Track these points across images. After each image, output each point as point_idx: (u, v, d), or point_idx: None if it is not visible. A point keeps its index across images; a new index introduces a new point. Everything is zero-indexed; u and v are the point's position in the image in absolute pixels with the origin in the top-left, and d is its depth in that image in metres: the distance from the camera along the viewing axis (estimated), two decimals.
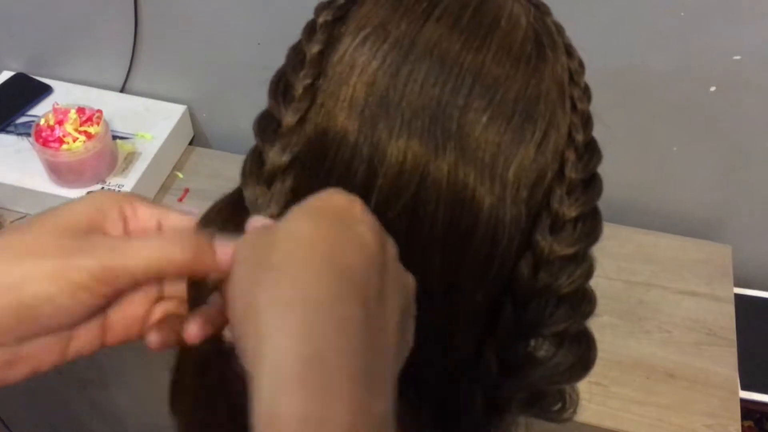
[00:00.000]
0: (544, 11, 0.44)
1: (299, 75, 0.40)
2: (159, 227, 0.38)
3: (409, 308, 0.35)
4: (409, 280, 0.36)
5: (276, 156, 0.39)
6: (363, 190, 0.38)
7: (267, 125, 0.41)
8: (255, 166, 0.40)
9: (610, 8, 0.97)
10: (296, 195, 0.39)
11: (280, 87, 0.42)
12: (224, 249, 0.34)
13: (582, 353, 0.40)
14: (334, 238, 0.32)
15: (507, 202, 0.38)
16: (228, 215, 0.41)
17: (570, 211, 0.40)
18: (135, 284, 0.34)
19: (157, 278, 0.35)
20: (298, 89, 0.40)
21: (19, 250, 0.33)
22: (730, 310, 1.05)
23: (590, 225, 0.41)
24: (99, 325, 0.36)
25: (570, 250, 0.39)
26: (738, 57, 0.98)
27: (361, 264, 0.32)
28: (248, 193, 0.40)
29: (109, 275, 0.33)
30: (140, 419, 1.32)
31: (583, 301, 0.40)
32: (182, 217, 0.39)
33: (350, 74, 0.39)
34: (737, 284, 1.09)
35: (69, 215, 0.35)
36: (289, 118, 0.39)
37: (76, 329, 0.35)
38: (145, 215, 0.38)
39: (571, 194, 0.40)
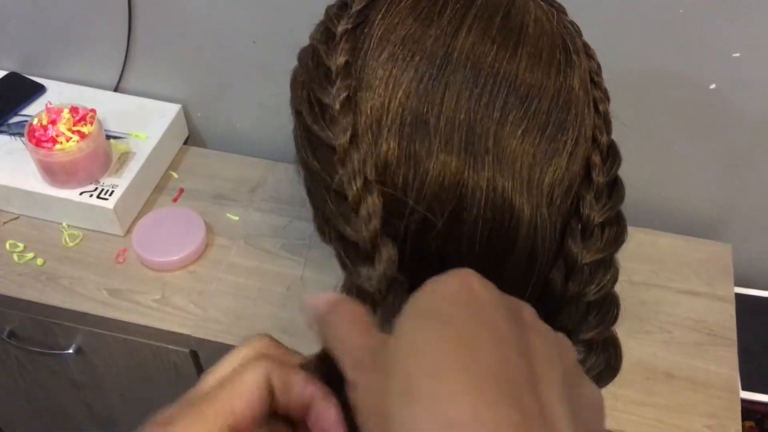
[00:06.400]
0: (560, 11, 0.43)
1: (331, 91, 0.38)
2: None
3: (571, 373, 0.31)
4: (563, 341, 0.32)
5: (348, 185, 0.37)
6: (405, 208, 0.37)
7: (323, 155, 0.39)
8: (339, 205, 0.38)
9: (609, 6, 0.97)
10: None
11: (315, 109, 0.40)
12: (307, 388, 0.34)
13: (610, 358, 0.40)
14: (461, 338, 0.28)
15: (544, 211, 0.38)
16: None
17: (598, 216, 0.39)
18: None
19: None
20: (336, 105, 0.38)
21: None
22: (731, 309, 1.04)
23: (617, 230, 0.40)
24: None
25: (599, 256, 0.39)
26: (737, 54, 0.97)
27: (501, 355, 0.27)
28: (349, 232, 0.37)
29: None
30: (134, 421, 1.31)
31: (611, 307, 0.40)
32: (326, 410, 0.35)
33: (384, 91, 0.38)
34: (738, 283, 1.09)
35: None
36: (341, 140, 0.37)
37: None
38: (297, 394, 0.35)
39: (599, 199, 0.40)
